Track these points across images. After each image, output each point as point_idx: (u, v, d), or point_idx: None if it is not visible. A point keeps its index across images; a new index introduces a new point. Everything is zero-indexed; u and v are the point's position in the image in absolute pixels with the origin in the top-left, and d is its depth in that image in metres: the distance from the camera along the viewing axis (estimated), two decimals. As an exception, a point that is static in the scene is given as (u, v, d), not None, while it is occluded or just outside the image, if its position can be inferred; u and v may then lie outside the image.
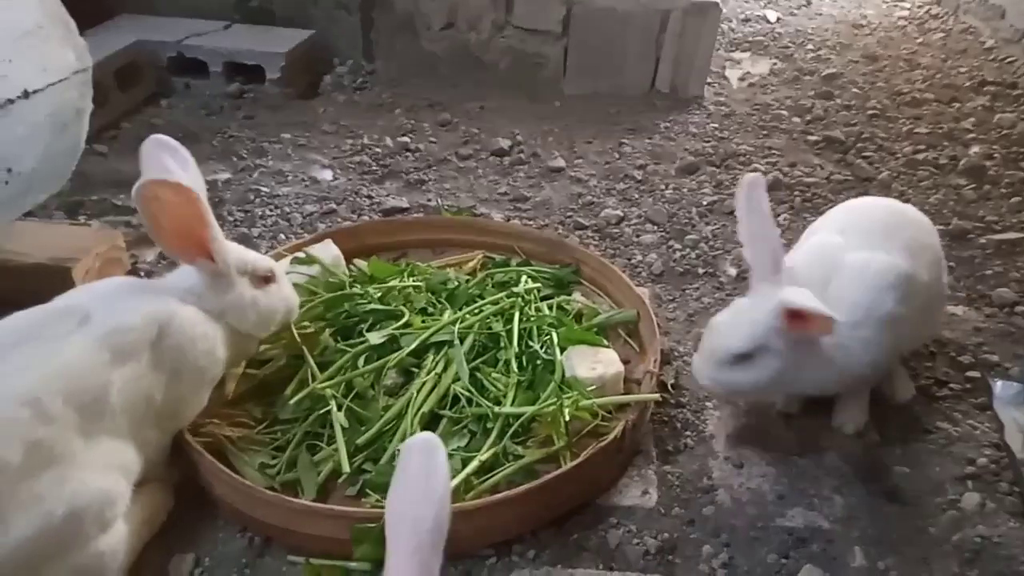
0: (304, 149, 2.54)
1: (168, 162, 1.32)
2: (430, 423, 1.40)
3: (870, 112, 2.92)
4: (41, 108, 1.64)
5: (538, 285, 1.73)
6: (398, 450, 1.32)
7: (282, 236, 2.07)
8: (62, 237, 1.78)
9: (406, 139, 2.58)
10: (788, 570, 1.23)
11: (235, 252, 1.35)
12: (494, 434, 1.37)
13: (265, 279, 1.39)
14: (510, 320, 1.60)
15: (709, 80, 3.19)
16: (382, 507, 1.22)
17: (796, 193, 2.37)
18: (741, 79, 3.33)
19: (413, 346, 1.49)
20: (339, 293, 1.64)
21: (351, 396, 1.43)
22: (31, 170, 1.67)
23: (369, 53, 3.11)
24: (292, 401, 1.40)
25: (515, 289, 1.68)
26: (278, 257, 1.79)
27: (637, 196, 2.34)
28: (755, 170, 2.49)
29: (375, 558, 1.16)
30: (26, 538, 0.99)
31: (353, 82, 3.00)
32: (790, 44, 3.65)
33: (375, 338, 1.49)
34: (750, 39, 3.70)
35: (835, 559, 1.25)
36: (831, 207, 2.24)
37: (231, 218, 2.15)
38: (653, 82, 3.09)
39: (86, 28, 2.12)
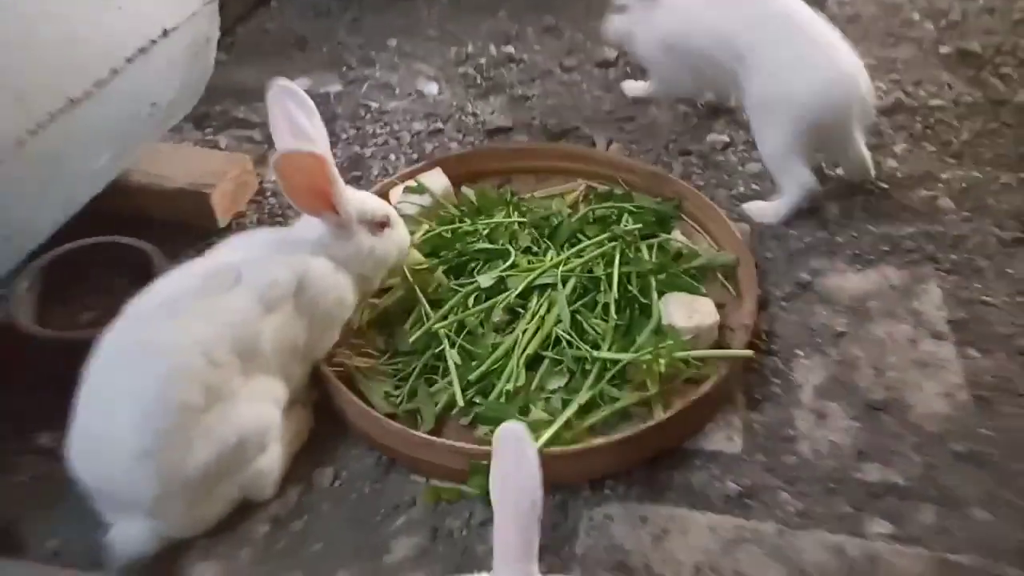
0: (410, 58, 2.57)
1: (294, 112, 1.42)
2: (533, 363, 1.53)
3: (1017, 17, 2.65)
4: (177, 43, 1.75)
5: (639, 226, 1.77)
6: (507, 390, 1.47)
7: (392, 156, 2.17)
8: (198, 161, 1.94)
9: (510, 48, 2.56)
10: (860, 521, 1.34)
11: (356, 202, 1.45)
12: (592, 377, 1.49)
13: (381, 224, 1.50)
14: (611, 263, 1.68)
15: (834, -28, 2.94)
16: (490, 440, 1.39)
17: (918, 118, 2.25)
18: (871, -29, 3.05)
19: (519, 289, 1.60)
20: (450, 227, 1.75)
21: (463, 333, 1.58)
22: (170, 101, 1.81)
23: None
24: (411, 340, 1.55)
25: (616, 230, 1.74)
26: (389, 186, 1.90)
27: (746, 118, 2.28)
28: (877, 88, 2.36)
29: (487, 488, 1.33)
30: (207, 462, 1.21)
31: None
32: (933, -75, 3.28)
33: (485, 281, 1.61)
34: (887, -82, 3.34)
35: (905, 515, 1.34)
36: (955, 137, 2.17)
37: (344, 136, 2.25)
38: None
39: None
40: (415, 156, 2.15)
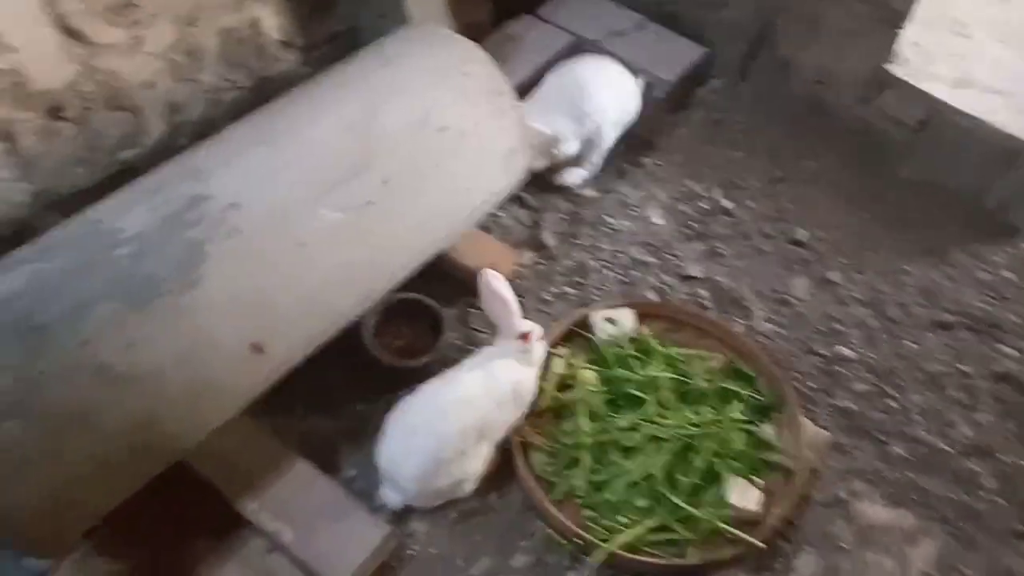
0: (653, 180, 3.30)
1: (502, 290, 2.33)
2: (637, 483, 2.45)
3: None
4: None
5: (743, 419, 2.56)
6: (608, 499, 2.41)
7: (607, 273, 3.01)
8: (484, 250, 2.90)
9: (728, 202, 3.23)
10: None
11: (536, 336, 2.36)
12: (664, 510, 2.39)
13: (540, 338, 2.41)
14: (709, 437, 2.50)
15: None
16: (591, 521, 2.35)
17: (1021, 396, 2.75)
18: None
19: (640, 438, 2.49)
20: (617, 369, 2.64)
21: (598, 445, 2.51)
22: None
23: (743, 76, 3.59)
24: (565, 440, 2.51)
25: (724, 420, 2.54)
26: (592, 310, 2.79)
27: (879, 337, 2.88)
28: (999, 349, 2.85)
29: (570, 547, 2.32)
30: (444, 484, 2.29)
31: (715, 107, 3.54)
32: None
33: (622, 423, 2.51)
34: None
35: None
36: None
37: (580, 240, 3.07)
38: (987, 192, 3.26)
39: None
40: (623, 279, 2.99)
